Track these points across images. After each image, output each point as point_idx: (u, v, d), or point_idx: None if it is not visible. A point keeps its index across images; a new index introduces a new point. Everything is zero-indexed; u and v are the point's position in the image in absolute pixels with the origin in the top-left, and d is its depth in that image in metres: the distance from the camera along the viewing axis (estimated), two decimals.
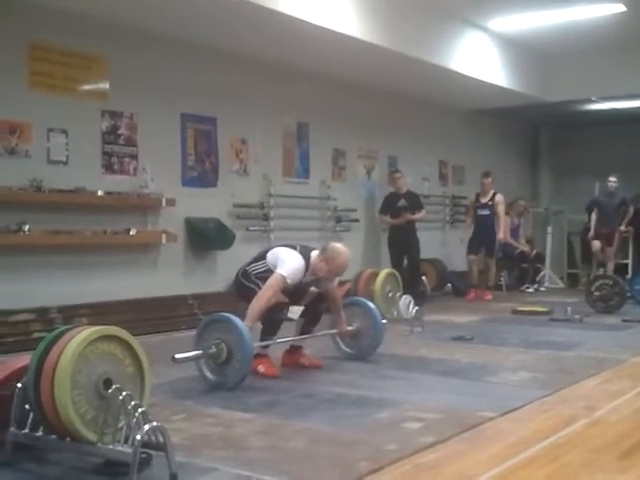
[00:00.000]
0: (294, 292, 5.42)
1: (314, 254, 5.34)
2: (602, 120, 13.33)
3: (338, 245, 5.45)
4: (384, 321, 6.01)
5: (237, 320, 4.80)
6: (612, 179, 11.35)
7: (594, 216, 11.46)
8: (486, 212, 10.87)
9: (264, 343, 5.28)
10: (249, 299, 5.10)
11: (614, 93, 11.34)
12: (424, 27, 8.98)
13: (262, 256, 5.44)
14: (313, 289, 5.55)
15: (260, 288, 5.15)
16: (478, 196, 11.02)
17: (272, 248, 5.48)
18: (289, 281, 5.15)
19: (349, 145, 10.40)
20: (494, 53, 10.47)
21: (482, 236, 10.82)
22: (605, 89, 11.25)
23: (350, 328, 5.85)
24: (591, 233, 11.48)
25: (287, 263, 5.20)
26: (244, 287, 5.35)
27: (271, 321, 5.25)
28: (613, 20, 9.35)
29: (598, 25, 9.58)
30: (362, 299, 6.23)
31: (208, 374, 4.87)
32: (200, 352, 4.80)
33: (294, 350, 5.64)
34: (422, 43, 8.98)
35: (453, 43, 9.60)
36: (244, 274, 5.44)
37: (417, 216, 10.18)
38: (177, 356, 4.65)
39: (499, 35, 10.32)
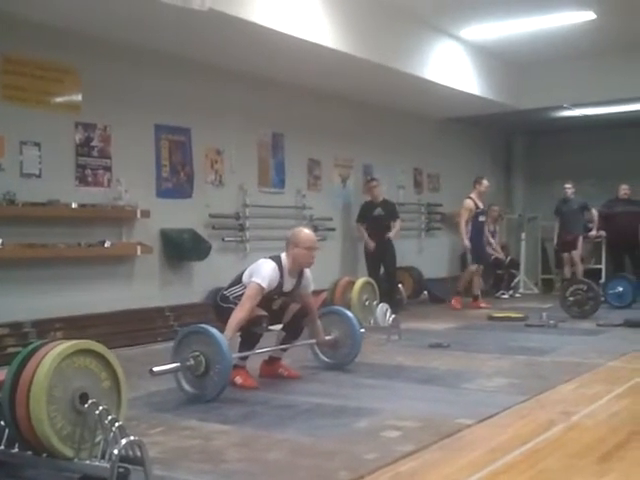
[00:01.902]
0: (277, 310, 5.44)
1: (283, 255, 5.37)
2: (575, 127, 13.47)
3: (293, 230, 5.54)
4: (362, 330, 6.02)
5: (215, 332, 4.79)
6: (567, 186, 11.63)
7: (556, 224, 11.69)
8: (484, 218, 10.78)
9: (242, 354, 5.27)
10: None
11: (586, 100, 11.46)
12: (397, 36, 9.02)
13: (238, 279, 5.42)
14: (295, 305, 5.55)
15: None
16: (475, 202, 10.57)
17: (245, 270, 5.46)
18: (265, 286, 5.14)
19: (324, 154, 10.41)
20: (467, 62, 10.54)
21: (481, 243, 10.65)
22: (577, 96, 11.36)
23: (329, 338, 5.85)
24: (555, 241, 11.71)
25: (260, 271, 5.22)
26: (223, 309, 5.33)
27: (249, 334, 5.25)
28: (584, 28, 9.45)
29: (569, 33, 9.69)
30: (341, 308, 6.24)
31: (186, 386, 4.85)
32: (178, 365, 4.78)
33: (272, 361, 5.63)
34: (395, 52, 9.02)
35: (426, 52, 9.65)
36: (222, 298, 5.43)
37: (395, 231, 10.19)
38: (155, 369, 4.63)
39: (471, 44, 10.40)
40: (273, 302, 5.41)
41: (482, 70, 10.87)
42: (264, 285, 5.15)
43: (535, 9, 8.81)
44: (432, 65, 9.75)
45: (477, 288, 10.79)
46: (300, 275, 5.47)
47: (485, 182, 10.67)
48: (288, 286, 5.41)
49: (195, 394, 4.81)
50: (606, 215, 11.82)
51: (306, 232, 5.47)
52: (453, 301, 10.61)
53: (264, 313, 5.22)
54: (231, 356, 4.81)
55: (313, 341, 5.88)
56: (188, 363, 4.75)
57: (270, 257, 5.37)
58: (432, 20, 9.39)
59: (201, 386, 4.79)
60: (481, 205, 10.65)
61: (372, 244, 10.11)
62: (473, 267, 10.64)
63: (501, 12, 8.93)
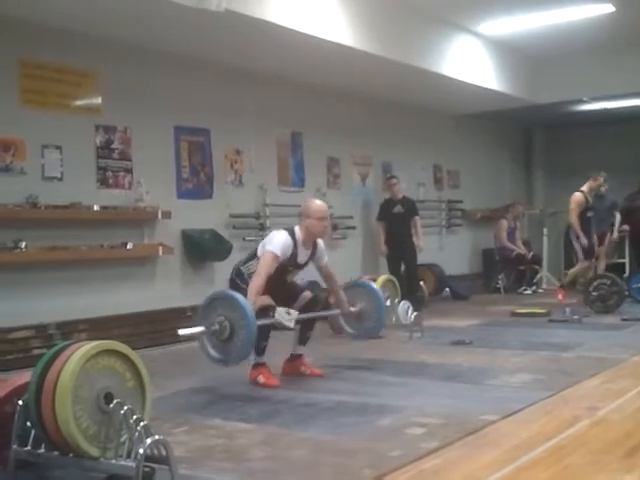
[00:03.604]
0: (288, 294, 5.45)
1: (297, 227, 5.44)
2: (594, 120, 13.37)
3: (305, 202, 5.63)
4: (387, 304, 6.03)
5: (240, 297, 4.84)
6: None
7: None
8: (592, 213, 10.08)
9: (266, 321, 5.11)
10: None
11: (605, 93, 11.36)
12: (415, 33, 9.00)
13: (253, 254, 5.49)
14: (306, 293, 5.55)
15: None
16: (586, 196, 9.93)
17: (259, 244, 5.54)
18: (279, 253, 5.20)
19: (343, 152, 10.41)
20: (485, 57, 10.49)
21: (591, 240, 10.04)
22: (596, 89, 11.27)
23: (353, 309, 5.88)
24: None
25: (272, 241, 5.31)
26: (240, 289, 5.34)
27: (262, 326, 5.25)
28: (602, 20, 9.37)
29: (588, 26, 9.61)
30: (366, 281, 6.27)
31: (211, 351, 4.90)
32: (203, 329, 4.80)
33: (294, 359, 5.65)
34: (413, 49, 9.00)
35: (444, 48, 9.62)
36: (238, 273, 5.48)
37: (419, 233, 10.18)
38: (181, 332, 4.71)
39: (489, 39, 10.34)
40: (288, 274, 5.44)
41: (500, 65, 10.81)
42: (278, 253, 5.20)
43: (553, 2, 8.75)
44: (450, 61, 9.71)
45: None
46: (314, 246, 5.52)
47: (601, 178, 10.09)
48: (303, 257, 5.45)
49: (219, 359, 4.87)
50: (628, 209, 11.69)
51: (317, 203, 5.55)
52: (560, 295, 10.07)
53: (272, 303, 5.22)
54: (255, 322, 4.80)
55: (338, 312, 5.92)
56: (213, 328, 4.79)
57: (283, 228, 5.45)
58: (450, 16, 9.35)
59: (225, 351, 4.83)
60: (590, 200, 10.03)
61: (385, 250, 10.14)
62: (586, 263, 10.13)
63: (519, 6, 8.88)
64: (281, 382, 5.32)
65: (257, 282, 5.10)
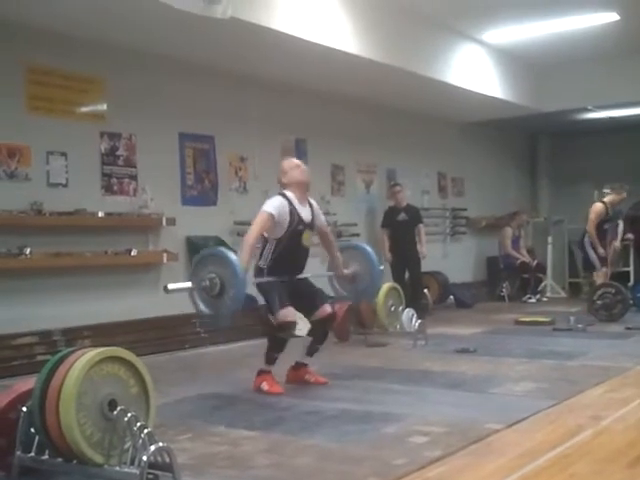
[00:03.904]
0: (309, 299, 5.42)
1: (285, 190, 5.46)
2: (599, 128, 13.36)
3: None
4: (382, 267, 6.04)
5: (232, 256, 4.83)
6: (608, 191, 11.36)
7: None
8: (608, 225, 10.08)
9: (266, 279, 5.22)
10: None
11: (610, 102, 11.37)
12: (420, 41, 9.02)
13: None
14: (326, 307, 5.49)
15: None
16: (607, 208, 9.95)
17: None
18: (273, 212, 5.19)
19: (347, 160, 10.41)
20: (489, 65, 10.51)
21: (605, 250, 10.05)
22: (601, 98, 11.28)
23: (347, 272, 5.87)
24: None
25: (265, 204, 5.30)
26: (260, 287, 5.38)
27: (277, 340, 5.28)
28: (607, 29, 9.39)
29: (592, 34, 9.62)
30: (361, 243, 6.27)
31: (201, 306, 4.89)
32: (192, 284, 4.84)
33: (299, 367, 5.63)
34: (418, 57, 9.02)
35: (449, 56, 9.64)
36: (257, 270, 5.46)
37: (423, 242, 10.16)
38: (169, 286, 4.70)
39: (494, 47, 10.36)
40: (302, 236, 5.37)
41: (505, 73, 10.82)
42: (272, 211, 5.20)
43: (558, 11, 8.77)
44: (455, 69, 9.73)
45: None
46: (310, 205, 5.52)
47: (624, 193, 10.04)
48: (306, 215, 5.41)
49: (209, 315, 4.90)
50: (633, 218, 11.67)
51: (287, 159, 5.75)
52: None
53: (293, 320, 5.17)
54: (245, 281, 4.79)
55: (331, 274, 5.93)
56: (203, 284, 4.79)
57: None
58: (454, 24, 9.37)
59: (216, 307, 4.83)
60: (610, 212, 10.01)
61: (390, 257, 10.11)
62: (603, 270, 10.05)
63: (524, 14, 8.90)
64: (285, 390, 5.31)
65: (250, 239, 5.12)
